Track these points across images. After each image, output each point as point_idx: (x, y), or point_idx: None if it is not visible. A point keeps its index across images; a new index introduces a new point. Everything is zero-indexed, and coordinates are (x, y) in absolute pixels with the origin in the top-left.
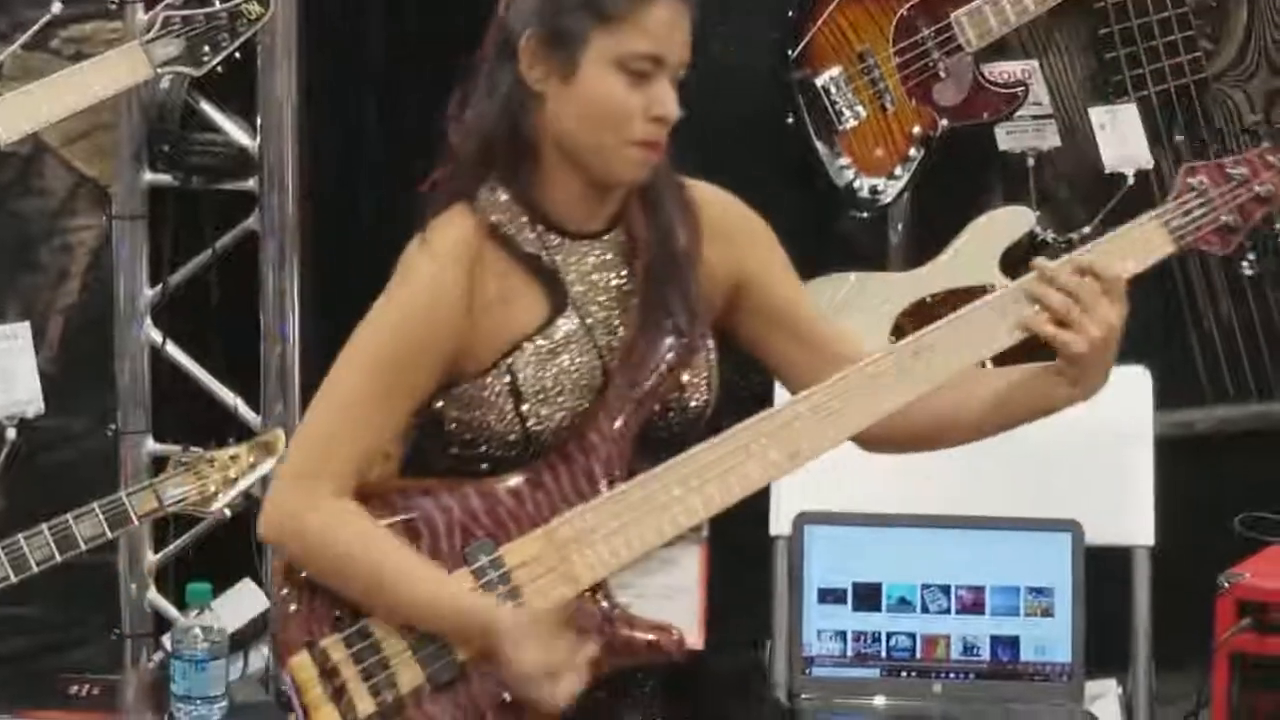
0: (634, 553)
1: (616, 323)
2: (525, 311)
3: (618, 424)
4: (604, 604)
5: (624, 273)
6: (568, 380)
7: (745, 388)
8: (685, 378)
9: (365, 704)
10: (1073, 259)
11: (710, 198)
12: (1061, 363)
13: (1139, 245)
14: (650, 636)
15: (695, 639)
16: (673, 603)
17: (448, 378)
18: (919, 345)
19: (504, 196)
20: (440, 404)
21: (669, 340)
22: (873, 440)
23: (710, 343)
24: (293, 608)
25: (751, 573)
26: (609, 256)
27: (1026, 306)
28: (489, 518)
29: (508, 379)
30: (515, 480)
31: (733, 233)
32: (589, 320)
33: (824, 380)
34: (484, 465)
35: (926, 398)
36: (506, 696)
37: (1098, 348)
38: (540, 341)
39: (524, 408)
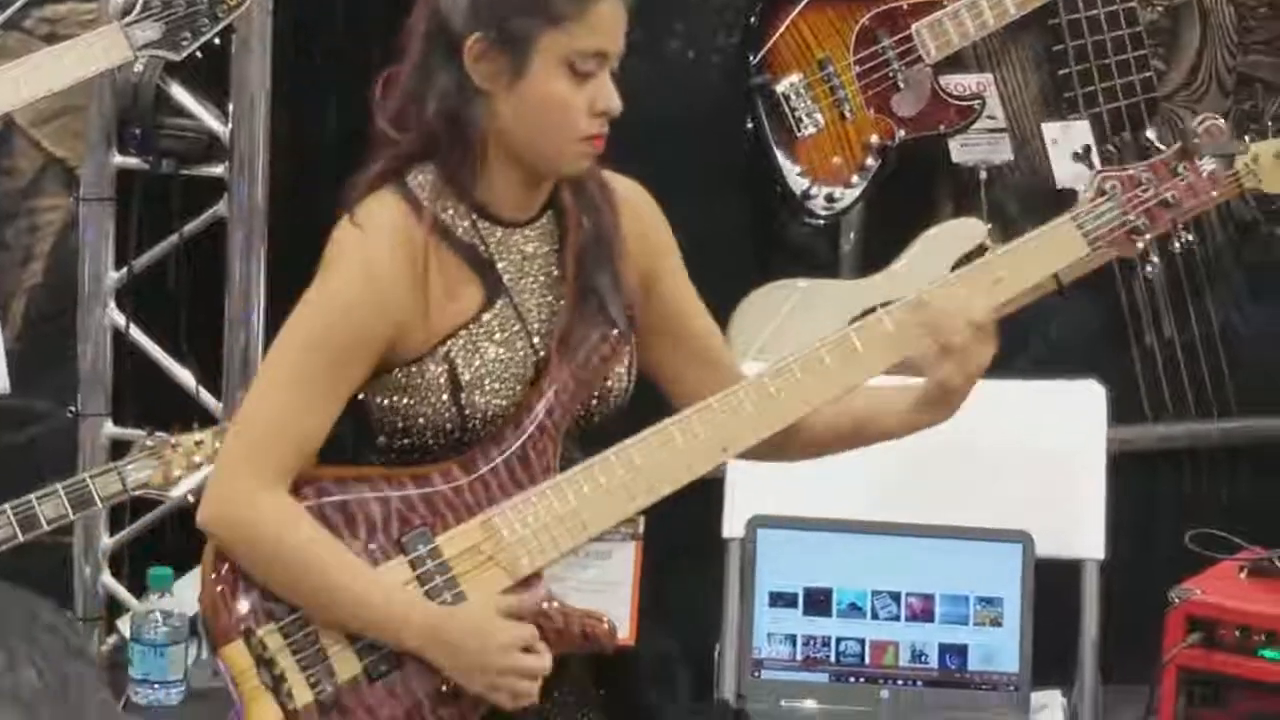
0: (573, 542)
1: (548, 312)
2: (461, 299)
3: (554, 413)
4: (542, 594)
5: (555, 260)
6: (501, 368)
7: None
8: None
9: (304, 694)
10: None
11: (627, 189)
12: (934, 392)
13: (1055, 246)
14: (584, 626)
15: (627, 634)
16: (605, 596)
17: (381, 364)
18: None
19: (435, 182)
20: (369, 394)
21: (603, 329)
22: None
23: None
24: (227, 595)
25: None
26: (541, 244)
27: (918, 338)
28: (426, 507)
29: (445, 366)
30: (452, 469)
31: (647, 228)
32: (522, 309)
33: (701, 391)
34: (414, 454)
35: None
36: (444, 686)
37: (970, 383)
38: (475, 329)
39: (461, 396)
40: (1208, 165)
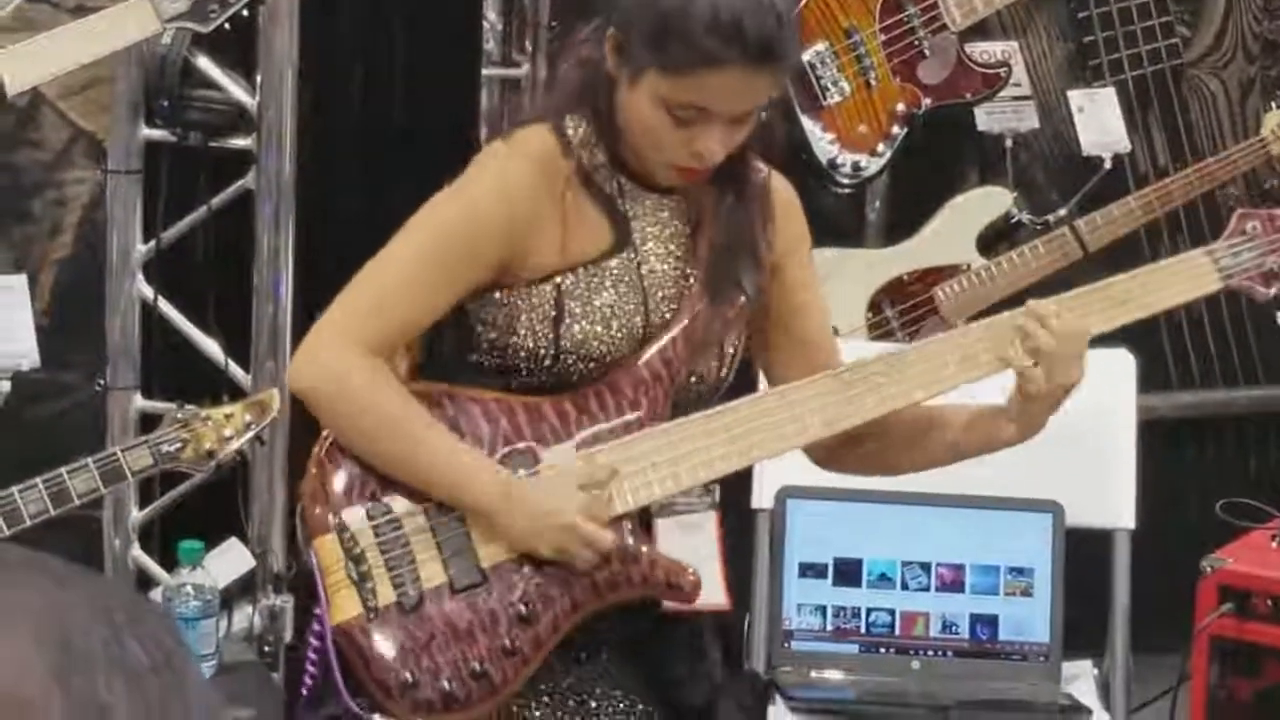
0: (666, 491)
1: (670, 277)
2: (588, 239)
3: (671, 364)
4: (632, 536)
5: (684, 235)
6: (608, 313)
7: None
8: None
9: (386, 594)
10: (1063, 306)
11: (779, 183)
12: (1017, 399)
13: (1187, 277)
14: (668, 575)
15: (723, 599)
16: (700, 568)
17: (493, 279)
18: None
19: (587, 130)
20: (473, 306)
21: (733, 294)
22: (829, 458)
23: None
24: (324, 489)
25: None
26: (673, 215)
27: (1010, 343)
28: (532, 433)
29: (554, 296)
30: (564, 403)
31: (788, 218)
32: (644, 265)
33: (794, 378)
34: (504, 376)
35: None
36: (523, 609)
37: (1055, 395)
38: (593, 269)
39: (561, 327)
40: None
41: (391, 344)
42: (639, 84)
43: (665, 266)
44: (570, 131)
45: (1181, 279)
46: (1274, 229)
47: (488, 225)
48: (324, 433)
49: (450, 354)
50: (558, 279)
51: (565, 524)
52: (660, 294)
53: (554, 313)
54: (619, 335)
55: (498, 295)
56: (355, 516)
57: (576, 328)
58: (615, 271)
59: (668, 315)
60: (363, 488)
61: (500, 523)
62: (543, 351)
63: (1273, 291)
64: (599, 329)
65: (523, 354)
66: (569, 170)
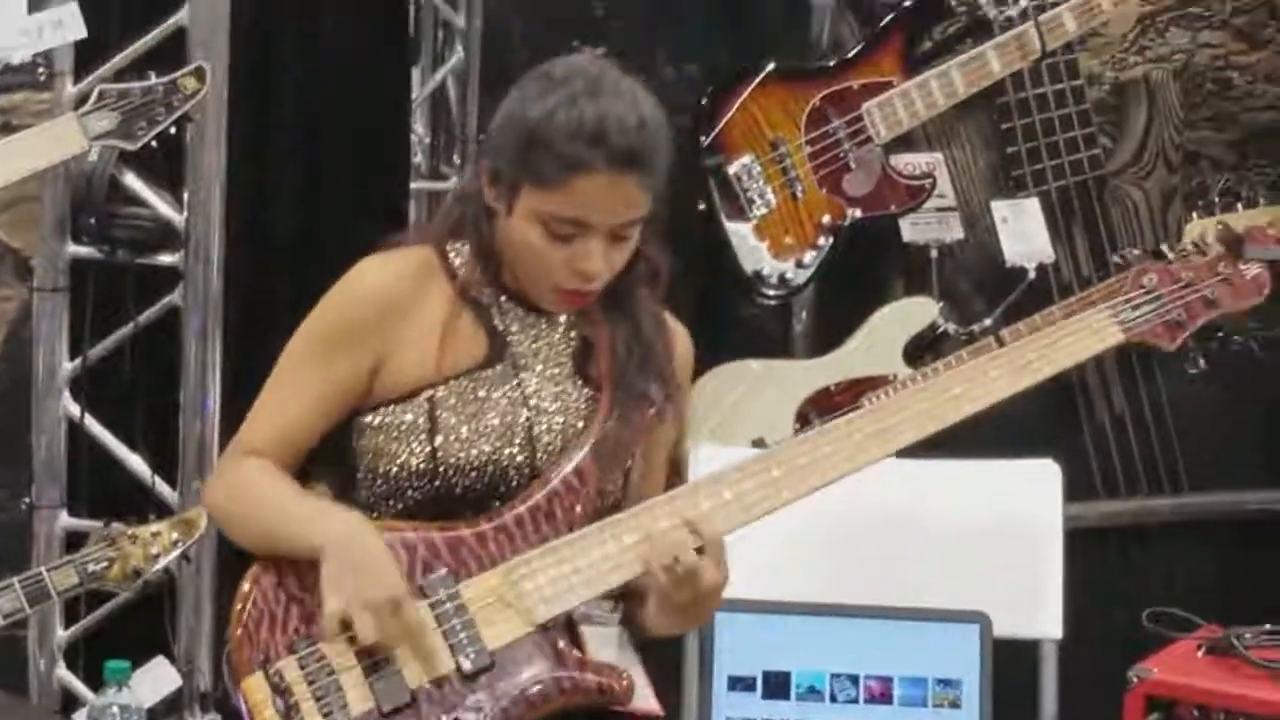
0: (591, 593)
1: (550, 395)
2: (462, 352)
3: (583, 474)
4: (560, 643)
5: (565, 356)
6: (486, 426)
7: None
8: None
9: None
10: (685, 518)
11: (680, 330)
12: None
13: (1089, 334)
14: (600, 679)
15: (653, 705)
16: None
17: (367, 385)
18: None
19: (469, 255)
20: (355, 432)
21: (644, 402)
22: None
23: None
24: (249, 630)
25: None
26: (553, 334)
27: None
28: (449, 553)
29: (427, 409)
30: (481, 525)
31: (682, 369)
32: (522, 378)
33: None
34: (393, 501)
35: None
36: None
37: (693, 603)
38: (466, 381)
39: (437, 439)
40: (1252, 269)
41: (273, 444)
42: (515, 206)
43: (546, 381)
44: (453, 256)
45: (1083, 336)
46: (1172, 281)
47: (355, 315)
48: (245, 577)
49: (339, 497)
50: (430, 391)
51: (366, 600)
52: (542, 410)
53: (428, 425)
54: (498, 447)
55: (374, 415)
56: (280, 654)
57: (453, 438)
58: (490, 383)
59: (556, 430)
60: (285, 625)
61: (325, 563)
62: (422, 466)
63: (1177, 342)
64: (473, 439)
65: (405, 474)
66: (450, 289)
